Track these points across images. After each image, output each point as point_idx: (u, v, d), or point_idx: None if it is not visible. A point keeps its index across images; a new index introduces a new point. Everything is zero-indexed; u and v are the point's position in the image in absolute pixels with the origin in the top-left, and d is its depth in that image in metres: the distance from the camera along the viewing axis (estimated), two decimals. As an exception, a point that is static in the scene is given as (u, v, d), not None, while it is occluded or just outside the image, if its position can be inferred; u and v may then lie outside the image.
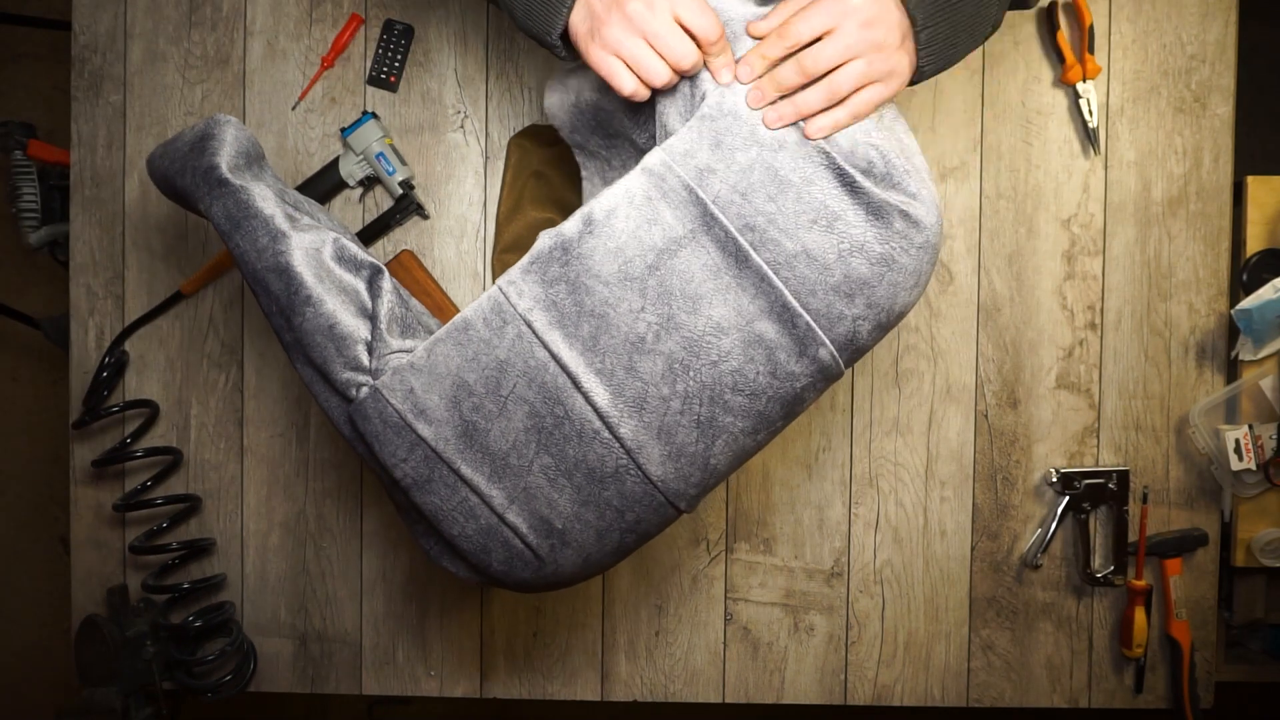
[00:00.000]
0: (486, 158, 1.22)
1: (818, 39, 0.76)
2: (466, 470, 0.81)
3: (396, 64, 1.20)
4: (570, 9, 0.78)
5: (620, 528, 0.83)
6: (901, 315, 0.84)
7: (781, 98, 0.78)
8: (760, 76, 0.78)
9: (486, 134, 1.22)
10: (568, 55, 0.83)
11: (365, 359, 0.83)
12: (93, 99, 1.23)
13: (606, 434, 0.80)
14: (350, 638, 1.25)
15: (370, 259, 0.86)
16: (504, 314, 0.80)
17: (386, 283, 0.85)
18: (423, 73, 1.22)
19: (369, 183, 1.21)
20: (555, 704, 1.30)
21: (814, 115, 0.78)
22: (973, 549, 1.23)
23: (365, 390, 0.82)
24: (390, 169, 1.18)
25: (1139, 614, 1.20)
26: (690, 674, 1.24)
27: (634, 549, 0.87)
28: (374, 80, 1.21)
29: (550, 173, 1.19)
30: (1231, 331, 1.21)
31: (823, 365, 0.81)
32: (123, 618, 1.19)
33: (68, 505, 1.27)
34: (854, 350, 0.82)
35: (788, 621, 1.24)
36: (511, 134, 1.21)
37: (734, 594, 1.24)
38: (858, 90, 0.77)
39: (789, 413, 0.84)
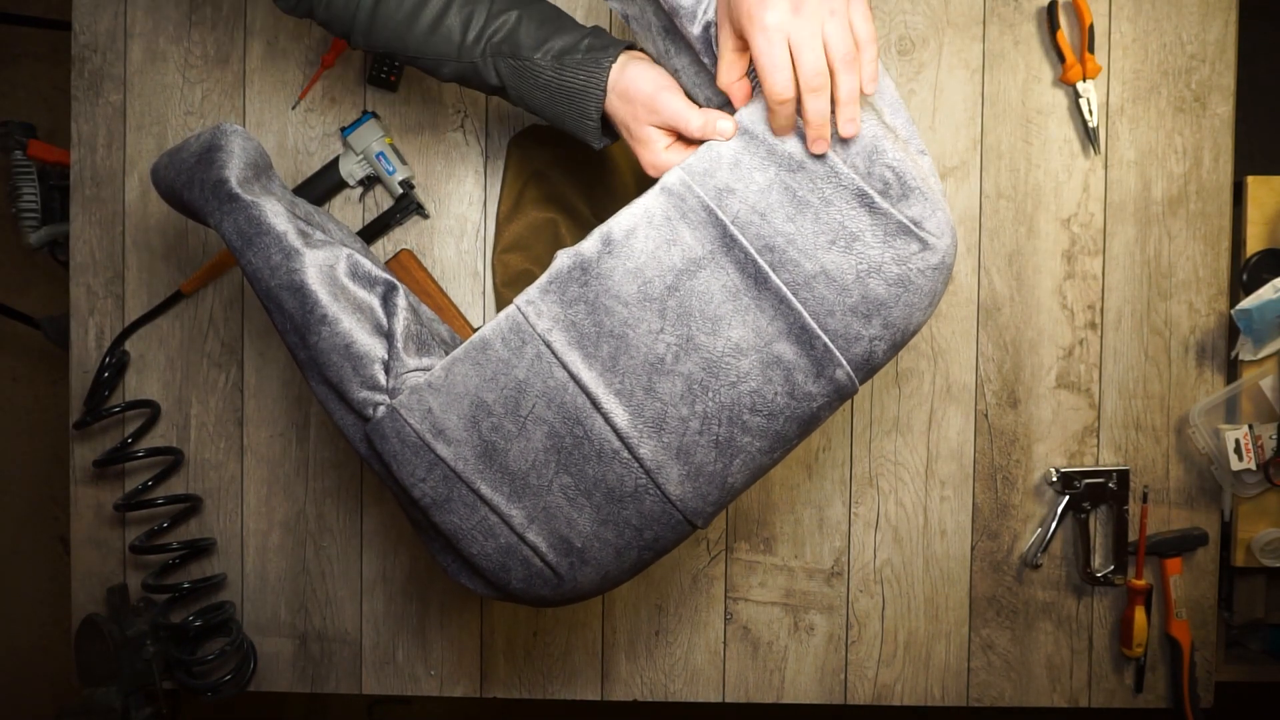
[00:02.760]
0: (486, 158, 1.22)
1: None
2: (486, 490, 0.81)
3: (396, 64, 1.20)
4: (602, 120, 0.87)
5: (639, 545, 0.83)
6: (914, 334, 0.84)
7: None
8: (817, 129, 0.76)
9: (486, 134, 1.22)
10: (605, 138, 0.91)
11: (382, 378, 0.82)
12: (93, 99, 1.23)
13: (626, 454, 0.80)
14: (350, 637, 1.25)
15: (385, 275, 0.86)
16: (523, 334, 0.80)
17: (401, 299, 0.85)
18: (423, 72, 1.21)
19: (369, 182, 1.21)
20: (555, 704, 1.30)
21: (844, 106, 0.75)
22: (973, 548, 1.23)
23: (383, 410, 0.81)
24: (390, 168, 1.18)
25: (1139, 614, 1.20)
26: (690, 674, 1.24)
27: (650, 564, 0.87)
28: (374, 80, 1.21)
29: (551, 173, 1.19)
30: (1231, 331, 1.21)
31: (839, 385, 0.81)
32: (123, 618, 1.19)
33: (68, 505, 1.27)
34: (869, 370, 0.82)
35: (788, 621, 1.24)
36: (511, 134, 1.21)
37: (734, 593, 1.24)
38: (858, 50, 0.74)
39: (804, 431, 0.84)
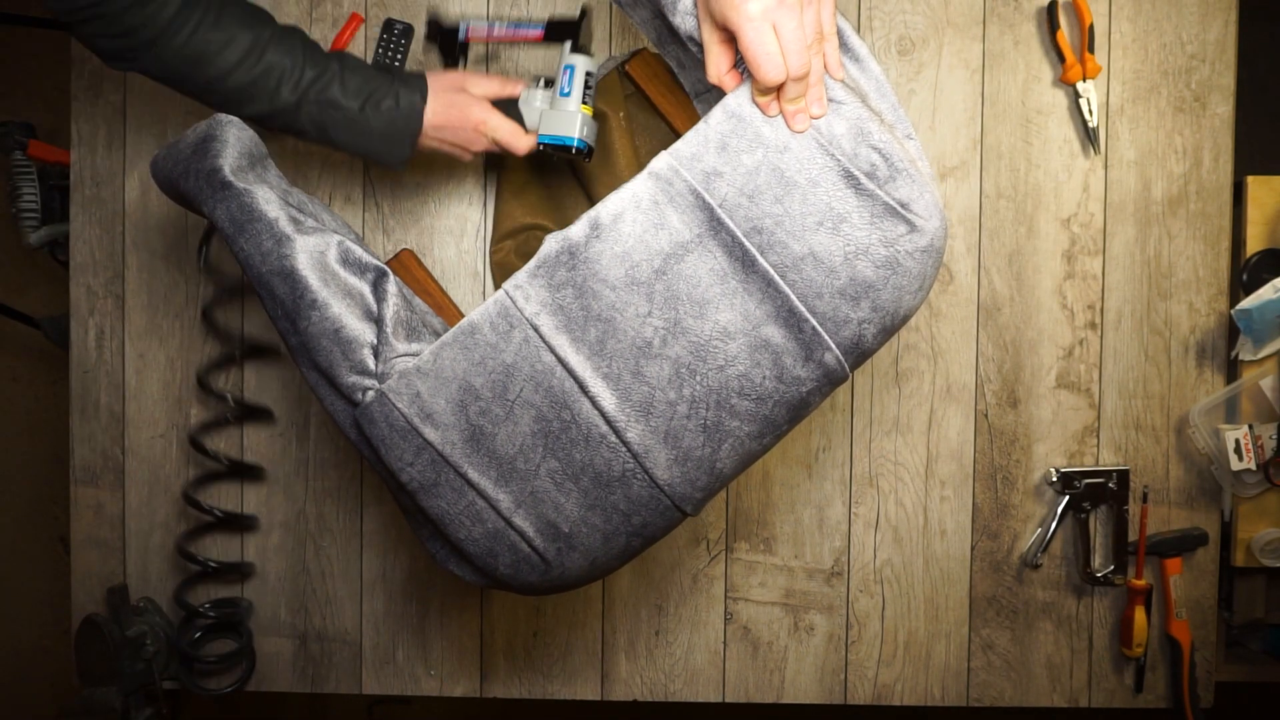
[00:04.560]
0: (486, 158, 1.22)
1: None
2: (473, 474, 0.81)
3: (396, 63, 1.20)
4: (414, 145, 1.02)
5: (626, 531, 0.83)
6: (906, 319, 0.84)
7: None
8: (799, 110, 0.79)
9: (486, 134, 1.22)
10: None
11: (371, 363, 0.83)
12: (93, 99, 1.23)
13: (613, 438, 0.80)
14: (350, 637, 1.25)
15: (375, 261, 0.86)
16: (511, 318, 0.80)
17: (391, 285, 0.85)
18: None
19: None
20: (555, 704, 1.30)
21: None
22: (973, 548, 1.23)
23: (371, 394, 0.82)
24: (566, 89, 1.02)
25: (1139, 613, 1.20)
26: (690, 674, 1.24)
27: (640, 552, 0.87)
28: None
29: (550, 173, 1.19)
30: (1231, 331, 1.21)
31: (828, 370, 0.81)
32: (123, 618, 1.19)
33: (68, 505, 1.27)
34: (859, 354, 0.82)
35: (788, 621, 1.24)
36: (511, 134, 1.21)
37: (734, 593, 1.24)
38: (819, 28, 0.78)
39: (794, 417, 0.84)
